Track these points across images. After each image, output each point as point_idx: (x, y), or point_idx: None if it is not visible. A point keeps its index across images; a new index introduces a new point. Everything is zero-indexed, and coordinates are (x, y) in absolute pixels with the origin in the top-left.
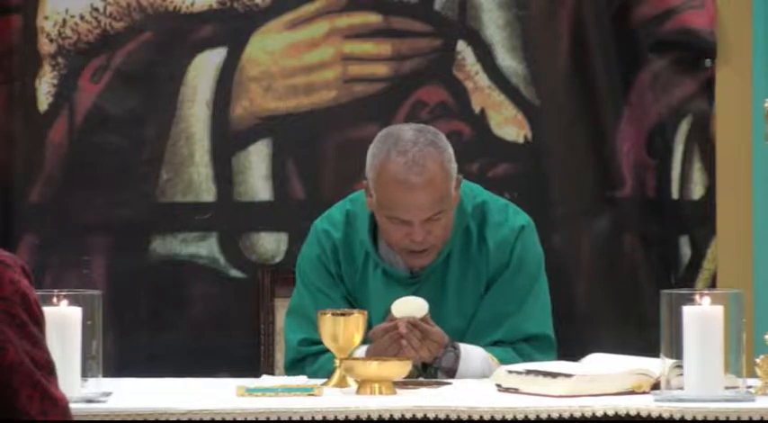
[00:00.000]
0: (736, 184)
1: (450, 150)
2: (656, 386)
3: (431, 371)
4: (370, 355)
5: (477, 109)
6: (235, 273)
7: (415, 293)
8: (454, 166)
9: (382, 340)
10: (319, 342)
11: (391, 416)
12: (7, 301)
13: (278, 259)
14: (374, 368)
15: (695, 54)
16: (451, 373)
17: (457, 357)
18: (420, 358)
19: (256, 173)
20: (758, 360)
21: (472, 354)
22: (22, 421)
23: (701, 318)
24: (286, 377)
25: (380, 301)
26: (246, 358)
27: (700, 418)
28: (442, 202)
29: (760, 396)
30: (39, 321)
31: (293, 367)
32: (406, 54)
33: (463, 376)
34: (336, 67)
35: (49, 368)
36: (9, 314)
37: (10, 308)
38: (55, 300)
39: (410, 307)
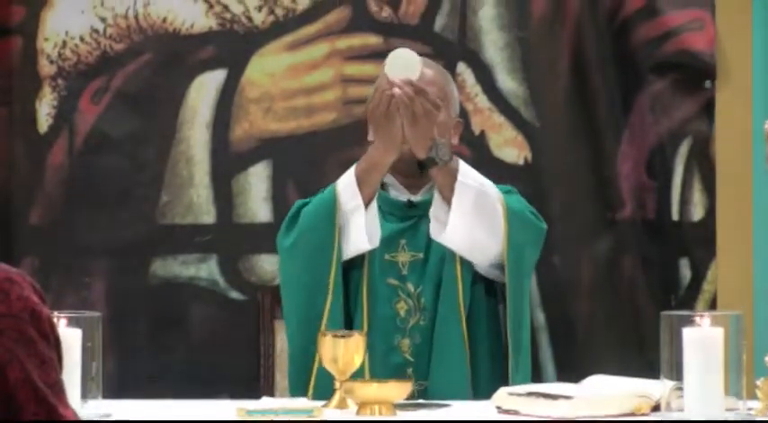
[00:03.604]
0: (736, 205)
1: (455, 87)
2: (656, 408)
3: (428, 164)
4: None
5: (476, 130)
6: (235, 294)
7: (412, 226)
8: (457, 97)
9: (377, 96)
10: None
11: None
12: (15, 319)
13: (278, 281)
14: (374, 390)
15: (695, 75)
16: (451, 178)
17: (452, 155)
18: (415, 133)
19: (256, 194)
20: (759, 382)
21: (472, 171)
22: None
23: (702, 339)
24: (286, 399)
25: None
26: (246, 380)
27: None
28: (438, 98)
29: (760, 418)
30: (50, 338)
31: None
32: None
33: (463, 190)
34: (336, 89)
35: (57, 387)
36: (17, 331)
37: (18, 325)
38: (54, 321)
39: (403, 62)
